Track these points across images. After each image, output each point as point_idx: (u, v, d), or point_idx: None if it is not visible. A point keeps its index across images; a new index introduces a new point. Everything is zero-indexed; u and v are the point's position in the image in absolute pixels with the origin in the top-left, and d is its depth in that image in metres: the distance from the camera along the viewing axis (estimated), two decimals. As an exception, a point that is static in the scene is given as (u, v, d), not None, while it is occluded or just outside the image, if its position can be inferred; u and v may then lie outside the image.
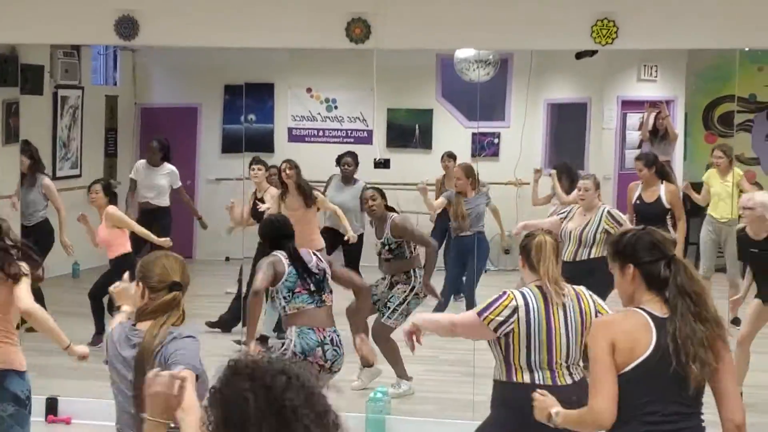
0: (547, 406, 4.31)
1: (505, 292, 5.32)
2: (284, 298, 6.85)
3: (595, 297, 5.41)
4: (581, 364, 5.29)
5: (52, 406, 8.35)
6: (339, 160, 11.78)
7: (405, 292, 8.76)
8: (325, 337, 6.71)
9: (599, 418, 4.02)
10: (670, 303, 4.02)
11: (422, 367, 8.95)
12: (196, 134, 13.99)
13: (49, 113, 12.39)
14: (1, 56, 11.13)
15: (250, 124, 13.99)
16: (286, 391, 2.55)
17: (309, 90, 14.14)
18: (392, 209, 9.06)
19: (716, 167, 11.00)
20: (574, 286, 5.43)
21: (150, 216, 11.56)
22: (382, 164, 10.99)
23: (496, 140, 13.64)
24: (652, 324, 4.02)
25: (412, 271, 8.82)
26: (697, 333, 3.96)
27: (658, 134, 12.17)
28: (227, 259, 12.94)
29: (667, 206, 9.92)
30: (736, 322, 9.48)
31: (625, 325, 4.07)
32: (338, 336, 6.87)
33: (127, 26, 8.25)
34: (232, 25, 8.31)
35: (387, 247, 8.82)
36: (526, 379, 5.24)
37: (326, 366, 6.68)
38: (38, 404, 8.14)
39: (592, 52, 9.29)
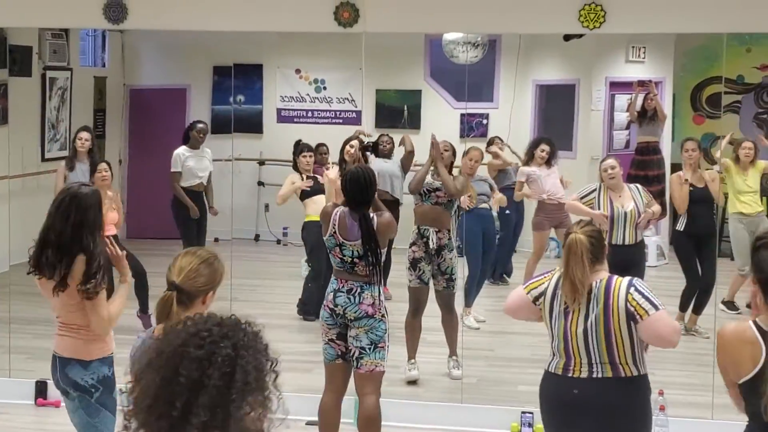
0: None
1: (549, 271, 5.42)
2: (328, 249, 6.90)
3: (633, 293, 5.15)
4: (624, 360, 5.18)
5: (41, 389, 8.37)
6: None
7: (453, 258, 9.02)
8: (342, 286, 6.69)
9: None
10: None
11: (410, 349, 9.00)
12: (185, 115, 13.96)
13: (37, 95, 12.35)
14: (-10, 38, 11.12)
15: (238, 105, 14.01)
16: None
17: (298, 71, 14.15)
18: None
19: (742, 160, 10.76)
20: (612, 279, 5.24)
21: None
22: (370, 148, 11.04)
23: (484, 121, 13.67)
24: (759, 339, 4.22)
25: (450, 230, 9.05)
26: None
27: (647, 115, 12.18)
28: (216, 240, 12.96)
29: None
30: None
31: (731, 343, 4.29)
32: (361, 289, 6.67)
33: (115, 10, 8.25)
34: (220, 8, 8.30)
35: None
36: (546, 365, 5.35)
37: (336, 310, 6.69)
38: (28, 387, 8.22)
39: (581, 34, 9.29)
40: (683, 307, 10.26)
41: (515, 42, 12.88)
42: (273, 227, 13.68)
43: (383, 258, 6.88)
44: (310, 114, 14.14)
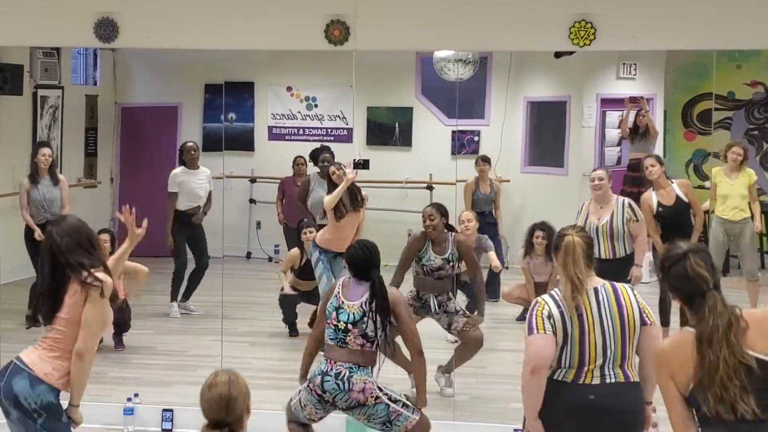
0: None
1: (535, 302, 5.30)
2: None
3: (638, 296, 5.33)
4: (630, 365, 5.29)
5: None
6: (315, 159, 11.52)
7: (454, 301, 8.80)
8: (330, 369, 6.44)
9: None
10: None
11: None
12: (177, 133, 13.97)
13: (29, 113, 12.35)
14: (-20, 57, 11.13)
15: (230, 122, 14.02)
16: None
17: (289, 88, 14.17)
18: (451, 228, 8.82)
19: (729, 164, 10.64)
20: (615, 284, 5.37)
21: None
22: (362, 165, 11.00)
23: (476, 138, 13.69)
24: None
25: (451, 291, 8.82)
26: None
27: (639, 131, 12.19)
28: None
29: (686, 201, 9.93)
30: None
31: (675, 355, 4.35)
32: (350, 372, 6.43)
33: (106, 29, 8.23)
34: (211, 27, 8.30)
35: (451, 264, 8.65)
36: (551, 374, 5.22)
37: (325, 396, 6.46)
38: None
39: (571, 51, 9.30)
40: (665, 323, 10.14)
41: (506, 59, 12.91)
42: (264, 245, 13.67)
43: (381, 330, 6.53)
44: (301, 131, 14.16)
